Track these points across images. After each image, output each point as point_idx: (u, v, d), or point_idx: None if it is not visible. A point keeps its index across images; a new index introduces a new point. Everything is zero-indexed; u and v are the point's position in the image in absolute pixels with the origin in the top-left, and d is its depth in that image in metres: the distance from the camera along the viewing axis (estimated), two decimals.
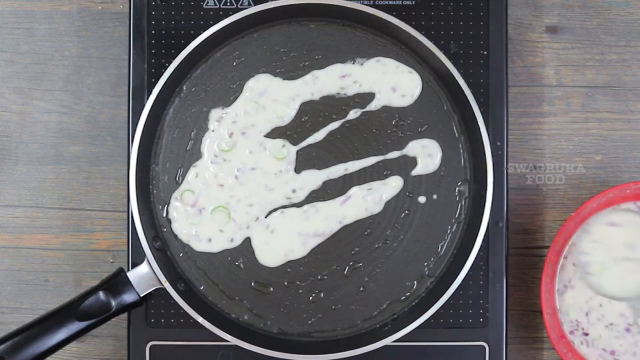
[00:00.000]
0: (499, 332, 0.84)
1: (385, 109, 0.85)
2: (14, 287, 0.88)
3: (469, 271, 0.81)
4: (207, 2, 0.85)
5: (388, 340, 0.81)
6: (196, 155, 0.84)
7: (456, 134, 0.85)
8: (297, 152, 0.84)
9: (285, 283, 0.84)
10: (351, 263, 0.84)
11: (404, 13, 0.85)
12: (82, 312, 0.79)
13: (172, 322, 0.84)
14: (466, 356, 0.83)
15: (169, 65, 0.82)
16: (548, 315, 0.83)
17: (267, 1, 0.83)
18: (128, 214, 0.83)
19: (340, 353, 0.81)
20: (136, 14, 0.85)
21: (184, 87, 0.85)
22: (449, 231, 0.84)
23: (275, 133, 0.84)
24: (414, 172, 0.84)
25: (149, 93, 0.83)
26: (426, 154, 0.84)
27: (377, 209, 0.84)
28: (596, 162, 0.88)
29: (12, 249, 0.88)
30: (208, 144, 0.84)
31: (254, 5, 0.83)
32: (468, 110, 0.82)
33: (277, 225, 0.84)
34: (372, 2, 0.85)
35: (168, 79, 0.82)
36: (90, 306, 0.80)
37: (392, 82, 0.84)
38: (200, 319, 0.81)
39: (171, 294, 0.81)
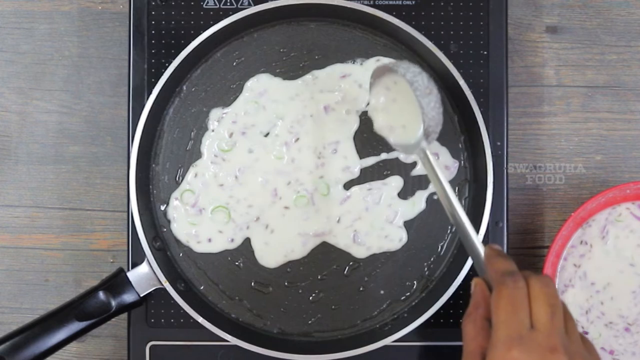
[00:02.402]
0: None
1: None
2: (14, 287, 0.89)
3: (469, 271, 0.81)
4: (207, 2, 0.85)
5: (388, 340, 0.81)
6: (196, 155, 0.84)
7: (456, 134, 0.85)
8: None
9: (285, 283, 0.84)
10: (351, 263, 0.84)
11: (404, 13, 0.85)
12: (82, 312, 0.79)
13: (172, 322, 0.84)
14: None
15: (169, 65, 0.82)
16: None
17: (267, 1, 0.83)
18: (128, 214, 0.83)
19: (340, 353, 0.81)
20: (136, 14, 0.85)
21: (184, 87, 0.85)
22: (449, 231, 0.84)
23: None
24: (414, 172, 0.84)
25: (149, 93, 0.83)
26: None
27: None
28: (596, 162, 0.89)
29: (12, 249, 0.88)
30: (208, 144, 0.84)
31: (254, 5, 0.83)
32: (468, 110, 0.82)
33: (277, 225, 0.84)
34: (372, 2, 0.85)
35: (168, 79, 0.82)
36: (90, 306, 0.80)
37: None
38: (200, 319, 0.81)
39: (171, 294, 0.81)
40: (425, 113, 0.74)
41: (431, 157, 0.75)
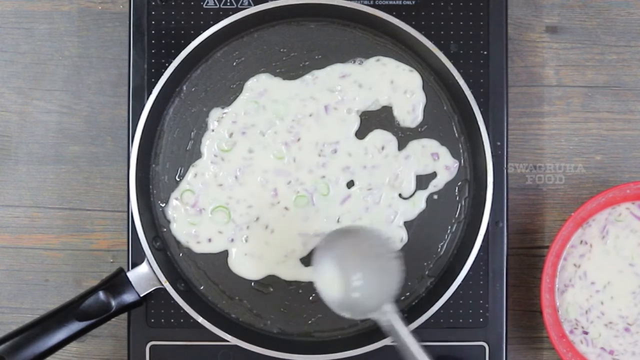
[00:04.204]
0: (499, 332, 0.84)
1: (385, 109, 0.85)
2: (14, 287, 0.88)
3: (469, 271, 0.81)
4: (207, 2, 0.85)
5: (388, 340, 0.81)
6: (196, 155, 0.84)
7: (456, 134, 0.85)
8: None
9: (286, 283, 0.84)
10: None
11: (404, 13, 0.85)
12: (82, 312, 0.79)
13: (172, 322, 0.84)
14: (466, 356, 0.83)
15: (169, 65, 0.82)
16: (548, 315, 0.83)
17: (267, 1, 0.83)
18: (128, 214, 0.83)
19: (340, 353, 0.81)
20: (136, 14, 0.85)
21: (184, 87, 0.85)
22: (449, 231, 0.84)
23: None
24: (416, 172, 0.84)
25: (149, 93, 0.83)
26: (427, 153, 0.84)
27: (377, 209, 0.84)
28: (596, 162, 0.89)
29: (12, 249, 0.88)
30: (208, 144, 0.84)
31: (254, 5, 0.83)
32: (468, 110, 0.82)
33: (277, 225, 0.84)
34: (372, 2, 0.85)
35: (168, 79, 0.82)
36: (90, 306, 0.80)
37: (392, 82, 0.84)
38: (200, 319, 0.81)
39: (171, 294, 0.81)
40: None
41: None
